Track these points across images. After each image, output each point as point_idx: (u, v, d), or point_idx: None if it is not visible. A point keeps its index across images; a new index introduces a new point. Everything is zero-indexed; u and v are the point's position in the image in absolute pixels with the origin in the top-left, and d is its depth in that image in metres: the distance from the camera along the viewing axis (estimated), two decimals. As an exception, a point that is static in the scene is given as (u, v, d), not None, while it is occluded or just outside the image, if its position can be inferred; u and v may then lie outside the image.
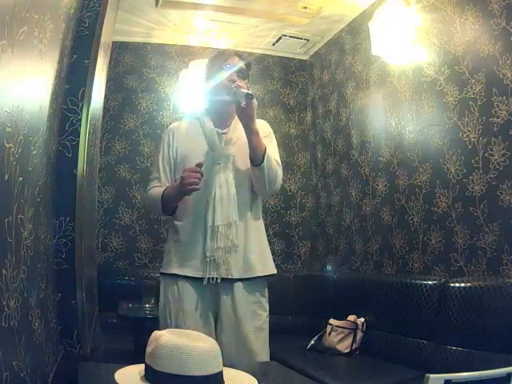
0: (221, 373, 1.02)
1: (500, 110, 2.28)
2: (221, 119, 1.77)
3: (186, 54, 4.05)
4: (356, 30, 3.59)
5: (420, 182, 2.84)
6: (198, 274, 1.65)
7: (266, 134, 1.77)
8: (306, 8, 3.40)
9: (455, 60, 2.57)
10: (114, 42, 3.56)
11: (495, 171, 2.31)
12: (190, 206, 1.69)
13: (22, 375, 0.91)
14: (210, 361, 0.99)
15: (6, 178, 0.81)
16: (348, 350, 2.77)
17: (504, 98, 2.25)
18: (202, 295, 1.67)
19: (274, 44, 4.05)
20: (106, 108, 3.42)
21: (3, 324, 0.79)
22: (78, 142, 1.56)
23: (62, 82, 1.50)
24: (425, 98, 2.81)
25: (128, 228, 3.83)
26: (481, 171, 2.39)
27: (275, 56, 4.31)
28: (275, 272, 1.76)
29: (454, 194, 2.57)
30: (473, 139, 2.45)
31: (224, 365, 1.03)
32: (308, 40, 4.00)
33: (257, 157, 1.63)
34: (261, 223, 1.78)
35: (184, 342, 1.00)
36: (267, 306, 1.75)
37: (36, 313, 1.11)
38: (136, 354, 2.45)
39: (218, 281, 1.64)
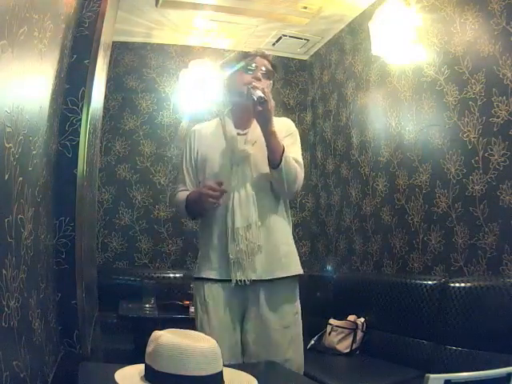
0: (221, 373, 1.02)
1: (500, 110, 2.28)
2: (241, 120, 1.76)
3: (186, 53, 4.05)
4: (356, 29, 3.59)
5: (420, 181, 2.84)
6: (224, 277, 1.65)
7: (288, 133, 1.76)
8: (306, 8, 3.40)
9: (455, 60, 2.57)
10: (114, 42, 3.56)
11: (495, 171, 2.31)
12: (213, 208, 1.69)
13: (22, 375, 0.92)
14: (210, 361, 0.99)
15: (6, 177, 0.81)
16: (348, 350, 2.77)
17: (504, 97, 2.25)
18: (229, 296, 1.67)
19: (274, 44, 4.05)
20: (106, 108, 3.42)
21: (3, 324, 0.79)
22: (78, 142, 1.56)
23: (62, 82, 1.50)
24: (425, 98, 2.81)
25: (128, 228, 3.83)
26: (481, 171, 2.39)
27: (275, 56, 4.30)
28: (301, 272, 1.75)
29: (454, 194, 2.57)
30: (473, 139, 2.45)
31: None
32: (308, 40, 4.00)
33: (274, 159, 1.62)
34: (285, 222, 1.76)
35: (184, 342, 1.00)
36: (296, 305, 1.74)
37: (36, 313, 1.11)
38: (136, 354, 2.45)
39: (247, 283, 1.63)
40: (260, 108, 1.56)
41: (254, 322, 1.66)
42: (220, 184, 1.59)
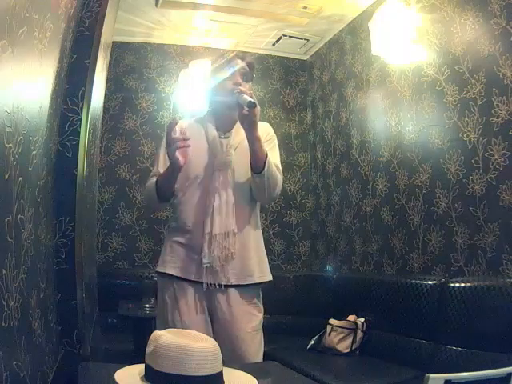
0: (221, 373, 1.02)
1: (500, 110, 2.28)
2: (224, 123, 1.75)
3: (186, 53, 4.05)
4: (356, 30, 3.59)
5: (420, 182, 2.84)
6: (195, 278, 1.65)
7: (268, 138, 1.75)
8: (306, 8, 3.41)
9: (455, 60, 2.57)
10: (113, 42, 3.57)
11: (495, 171, 2.31)
12: (190, 210, 1.68)
13: (22, 375, 0.91)
14: (210, 361, 0.99)
15: (6, 177, 0.81)
16: (348, 350, 2.77)
17: (504, 98, 2.25)
18: (199, 297, 1.67)
19: (274, 44, 4.05)
20: (105, 108, 3.42)
21: (3, 324, 0.79)
22: (78, 142, 1.56)
23: (62, 82, 1.50)
24: (425, 98, 2.81)
25: (128, 228, 3.83)
26: (481, 171, 2.39)
27: (275, 56, 4.31)
28: (271, 279, 1.76)
29: (454, 194, 2.57)
30: (473, 139, 2.45)
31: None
32: (308, 40, 4.00)
33: (258, 164, 1.61)
34: (259, 232, 1.77)
35: (184, 342, 1.00)
36: (262, 308, 1.75)
37: (36, 313, 1.11)
38: (136, 354, 2.45)
39: (217, 287, 1.63)
40: (246, 112, 1.55)
41: (223, 323, 1.66)
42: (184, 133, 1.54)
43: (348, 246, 3.61)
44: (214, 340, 1.06)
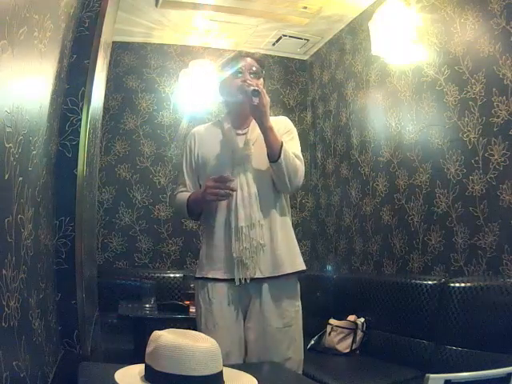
0: (221, 373, 1.02)
1: (500, 110, 2.28)
2: (239, 120, 1.78)
3: (186, 53, 4.05)
4: (356, 30, 3.59)
5: (420, 182, 2.84)
6: (228, 276, 1.66)
7: (286, 130, 1.78)
8: (306, 8, 3.41)
9: (455, 60, 2.57)
10: (114, 42, 3.57)
11: (495, 171, 2.31)
12: (215, 208, 1.71)
13: (21, 375, 0.91)
14: (210, 361, 0.99)
15: (6, 177, 0.81)
16: (348, 350, 2.77)
17: (504, 97, 2.25)
18: (233, 294, 1.68)
19: (274, 44, 4.05)
20: (105, 108, 3.42)
21: (3, 324, 0.79)
22: (78, 142, 1.56)
23: (62, 82, 1.50)
24: (425, 98, 2.81)
25: (128, 228, 3.83)
26: (481, 171, 2.39)
27: (275, 56, 4.31)
28: (304, 268, 1.75)
29: (454, 194, 2.57)
30: (473, 139, 2.45)
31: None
32: (308, 40, 4.00)
33: (273, 153, 1.63)
34: (287, 220, 1.77)
35: (184, 342, 1.00)
36: (298, 302, 1.75)
37: (36, 313, 1.11)
38: (136, 354, 2.45)
39: (248, 281, 1.64)
40: (255, 102, 1.59)
41: (255, 320, 1.67)
42: (227, 180, 1.60)
43: (348, 246, 3.61)
44: (214, 340, 1.06)
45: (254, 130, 1.73)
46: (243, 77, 1.71)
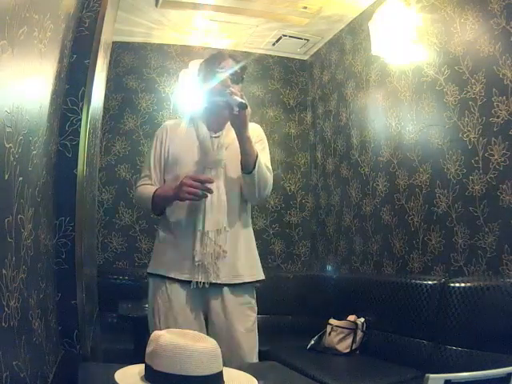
0: (221, 373, 1.02)
1: (500, 110, 2.28)
2: (215, 122, 1.75)
3: (185, 53, 4.05)
4: (356, 30, 3.59)
5: (420, 182, 2.84)
6: (187, 277, 1.65)
7: (258, 139, 1.75)
8: (306, 8, 3.40)
9: (455, 60, 2.57)
10: (114, 42, 3.56)
11: (495, 171, 2.31)
12: (181, 208, 1.68)
13: (22, 375, 0.91)
14: (210, 361, 0.99)
15: (6, 177, 0.81)
16: (348, 350, 2.77)
17: (504, 97, 2.25)
18: (192, 297, 1.67)
19: (274, 44, 4.05)
20: (105, 108, 3.42)
21: (3, 324, 0.79)
22: (78, 142, 1.56)
23: (62, 82, 1.50)
24: (425, 98, 2.81)
25: (128, 228, 3.83)
26: (481, 171, 2.39)
27: (275, 56, 4.31)
28: (263, 278, 1.76)
29: (454, 194, 2.57)
30: (473, 139, 2.45)
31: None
32: (308, 40, 4.00)
33: (248, 164, 1.62)
34: (250, 230, 1.78)
35: (184, 342, 1.00)
36: (256, 308, 1.76)
37: (36, 313, 1.11)
38: (136, 354, 2.45)
39: (206, 286, 1.63)
40: (237, 113, 1.55)
41: (218, 323, 1.66)
42: (207, 181, 1.57)
43: (348, 246, 3.61)
44: (213, 340, 1.06)
45: (228, 134, 1.71)
46: (224, 80, 1.68)
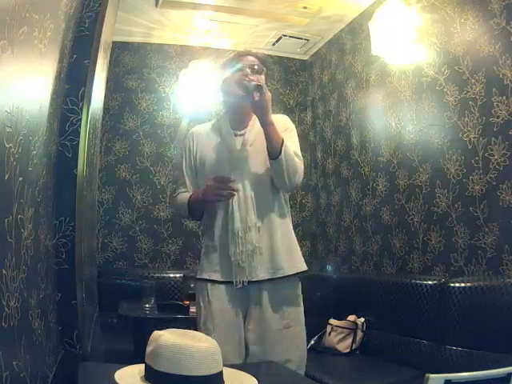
0: (221, 373, 1.02)
1: (500, 110, 2.28)
2: (238, 120, 1.76)
3: (186, 53, 4.05)
4: (356, 30, 3.59)
5: (420, 182, 2.84)
6: (226, 278, 1.66)
7: (284, 128, 1.75)
8: (306, 8, 3.40)
9: (455, 60, 2.57)
10: (114, 42, 3.56)
11: (495, 171, 2.31)
12: (214, 210, 1.70)
13: (21, 375, 0.91)
14: (210, 361, 0.99)
15: (6, 177, 0.81)
16: (348, 350, 2.77)
17: (504, 97, 2.25)
18: (232, 297, 1.67)
19: (274, 44, 4.05)
20: (105, 108, 3.42)
21: (3, 324, 0.79)
22: (78, 142, 1.56)
23: (62, 82, 1.50)
24: (425, 98, 2.81)
25: (128, 228, 3.83)
26: (481, 171, 2.39)
27: (275, 56, 4.31)
28: (305, 268, 1.74)
29: (454, 194, 2.57)
30: (473, 139, 2.45)
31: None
32: (308, 40, 4.00)
33: (274, 149, 1.60)
34: (287, 221, 1.76)
35: (184, 342, 1.00)
36: (298, 303, 1.73)
37: (36, 313, 1.11)
38: (136, 354, 2.45)
39: (245, 284, 1.63)
40: (257, 97, 1.55)
41: (255, 321, 1.67)
42: (228, 180, 1.60)
43: (348, 246, 3.61)
44: (213, 340, 1.06)
45: (252, 130, 1.72)
46: (243, 71, 1.69)
